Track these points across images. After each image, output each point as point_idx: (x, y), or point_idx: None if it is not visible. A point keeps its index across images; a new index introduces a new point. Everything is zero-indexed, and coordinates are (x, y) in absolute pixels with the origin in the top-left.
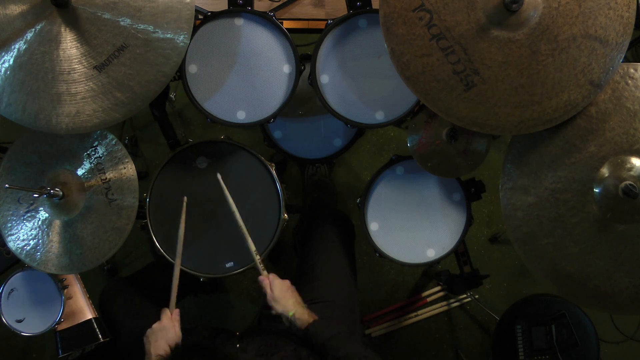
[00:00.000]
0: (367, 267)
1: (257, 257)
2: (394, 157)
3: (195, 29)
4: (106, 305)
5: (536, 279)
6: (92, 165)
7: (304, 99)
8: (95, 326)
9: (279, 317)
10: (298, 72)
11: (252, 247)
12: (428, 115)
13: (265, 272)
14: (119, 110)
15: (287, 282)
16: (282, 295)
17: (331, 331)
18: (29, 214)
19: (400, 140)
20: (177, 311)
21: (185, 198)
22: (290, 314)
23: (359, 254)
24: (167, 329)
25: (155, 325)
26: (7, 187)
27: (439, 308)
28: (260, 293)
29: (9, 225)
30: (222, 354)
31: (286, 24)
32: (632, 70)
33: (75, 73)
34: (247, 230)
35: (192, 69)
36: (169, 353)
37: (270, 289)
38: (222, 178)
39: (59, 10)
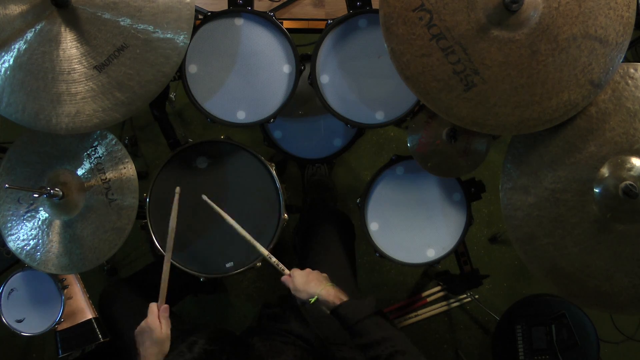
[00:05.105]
0: (367, 267)
1: (273, 260)
2: (394, 157)
3: (195, 29)
4: (106, 305)
5: (536, 279)
6: (92, 165)
7: (304, 99)
8: (95, 326)
9: (279, 317)
10: (298, 72)
11: (265, 252)
12: (428, 115)
13: (286, 271)
14: (119, 110)
15: (307, 270)
16: (304, 281)
17: (361, 313)
18: (29, 214)
19: (400, 140)
20: (165, 307)
21: (178, 188)
22: (312, 300)
23: (359, 254)
24: (152, 330)
25: (142, 324)
26: (7, 187)
27: (439, 308)
28: (260, 293)
29: (9, 225)
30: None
31: (286, 24)
32: (632, 70)
33: (75, 73)
34: (249, 232)
35: (192, 69)
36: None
37: (292, 282)
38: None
39: (59, 10)
